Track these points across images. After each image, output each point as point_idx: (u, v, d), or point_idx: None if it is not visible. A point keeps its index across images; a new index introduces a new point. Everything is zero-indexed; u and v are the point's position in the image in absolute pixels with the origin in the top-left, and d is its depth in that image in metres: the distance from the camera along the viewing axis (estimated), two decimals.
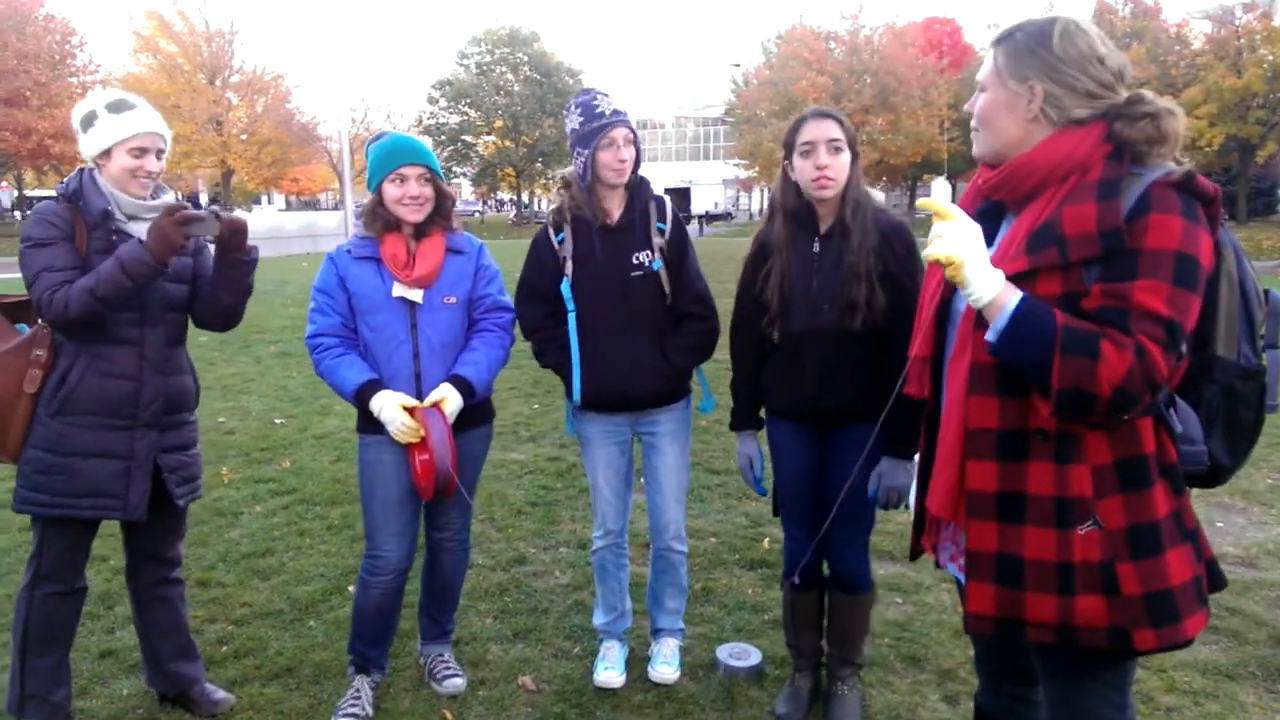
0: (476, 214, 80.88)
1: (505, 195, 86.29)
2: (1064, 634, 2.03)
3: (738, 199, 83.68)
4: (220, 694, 3.63)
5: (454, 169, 67.87)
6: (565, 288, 3.56)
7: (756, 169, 56.13)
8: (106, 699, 3.70)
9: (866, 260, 3.18)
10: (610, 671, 3.78)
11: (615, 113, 3.47)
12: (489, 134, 68.79)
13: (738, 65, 64.05)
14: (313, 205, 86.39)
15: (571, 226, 3.58)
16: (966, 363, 2.09)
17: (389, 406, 3.31)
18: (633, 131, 3.52)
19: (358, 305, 3.45)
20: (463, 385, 3.41)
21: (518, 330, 3.67)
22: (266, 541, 5.36)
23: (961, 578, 2.24)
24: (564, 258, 3.57)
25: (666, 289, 3.59)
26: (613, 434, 3.71)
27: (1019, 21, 2.13)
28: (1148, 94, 2.01)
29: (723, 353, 3.61)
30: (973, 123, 2.21)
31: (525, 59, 67.52)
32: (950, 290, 2.20)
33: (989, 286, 1.95)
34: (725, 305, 3.48)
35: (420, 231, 3.47)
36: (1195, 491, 2.17)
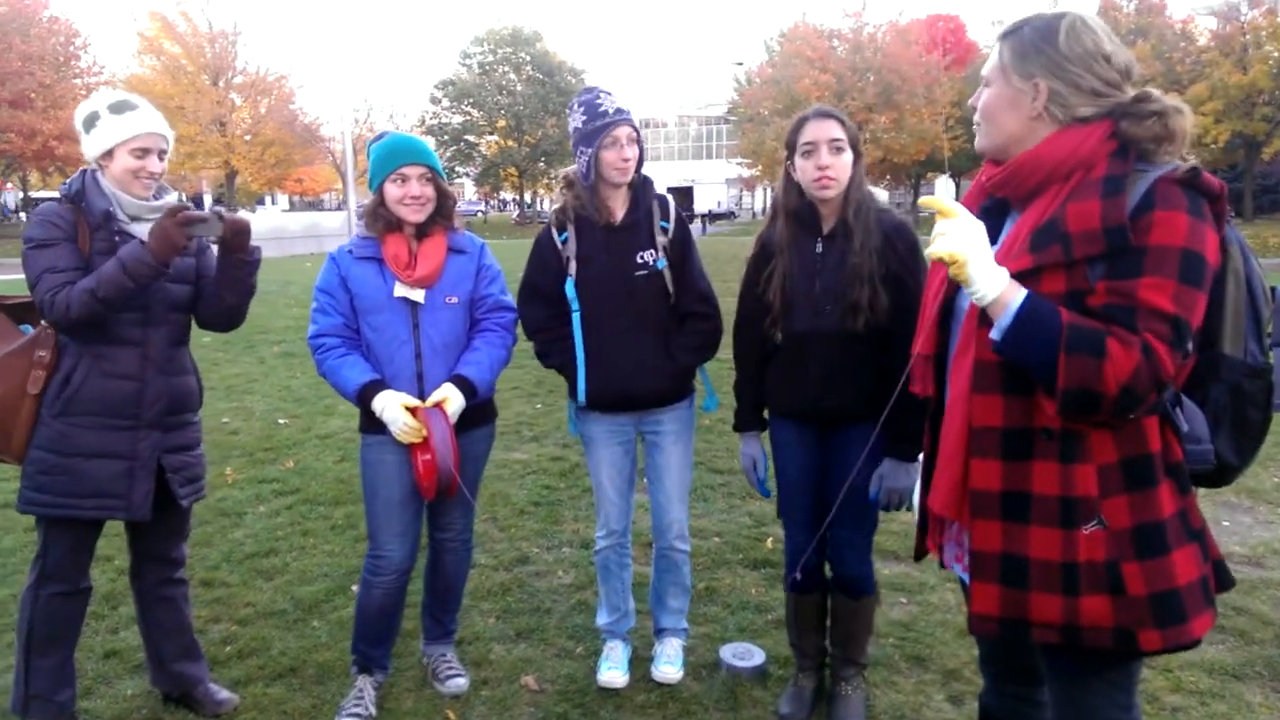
0: (479, 214, 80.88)
1: (508, 195, 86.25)
2: (1069, 634, 2.02)
3: (740, 198, 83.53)
4: (224, 694, 3.63)
5: (457, 169, 67.86)
6: (569, 287, 3.55)
7: (759, 168, 56.12)
8: (111, 699, 3.70)
9: (869, 261, 3.17)
10: (613, 671, 3.77)
11: (619, 111, 3.46)
12: (492, 134, 68.78)
13: (740, 64, 64.07)
14: (316, 206, 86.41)
15: (575, 226, 3.57)
16: (970, 360, 2.08)
17: (391, 407, 3.31)
18: (636, 130, 3.51)
19: (360, 305, 3.44)
20: (465, 385, 3.40)
21: (520, 330, 3.67)
22: (270, 541, 5.36)
23: (966, 578, 2.23)
24: (567, 257, 3.57)
25: (670, 288, 3.59)
26: (616, 434, 3.71)
27: (1027, 16, 2.11)
28: (1154, 92, 2.00)
29: (726, 352, 3.61)
30: (976, 117, 2.20)
31: (528, 58, 67.48)
32: (954, 288, 2.19)
33: (993, 284, 1.94)
34: (728, 305, 3.47)
35: (422, 231, 3.47)
36: (1201, 490, 2.16)
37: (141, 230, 3.16)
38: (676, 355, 3.59)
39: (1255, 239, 27.84)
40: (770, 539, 5.28)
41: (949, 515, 2.18)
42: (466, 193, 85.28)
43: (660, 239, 3.57)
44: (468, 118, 68.21)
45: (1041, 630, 2.05)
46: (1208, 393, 2.04)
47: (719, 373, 3.99)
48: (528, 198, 75.04)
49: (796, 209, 3.31)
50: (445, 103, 68.00)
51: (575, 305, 3.55)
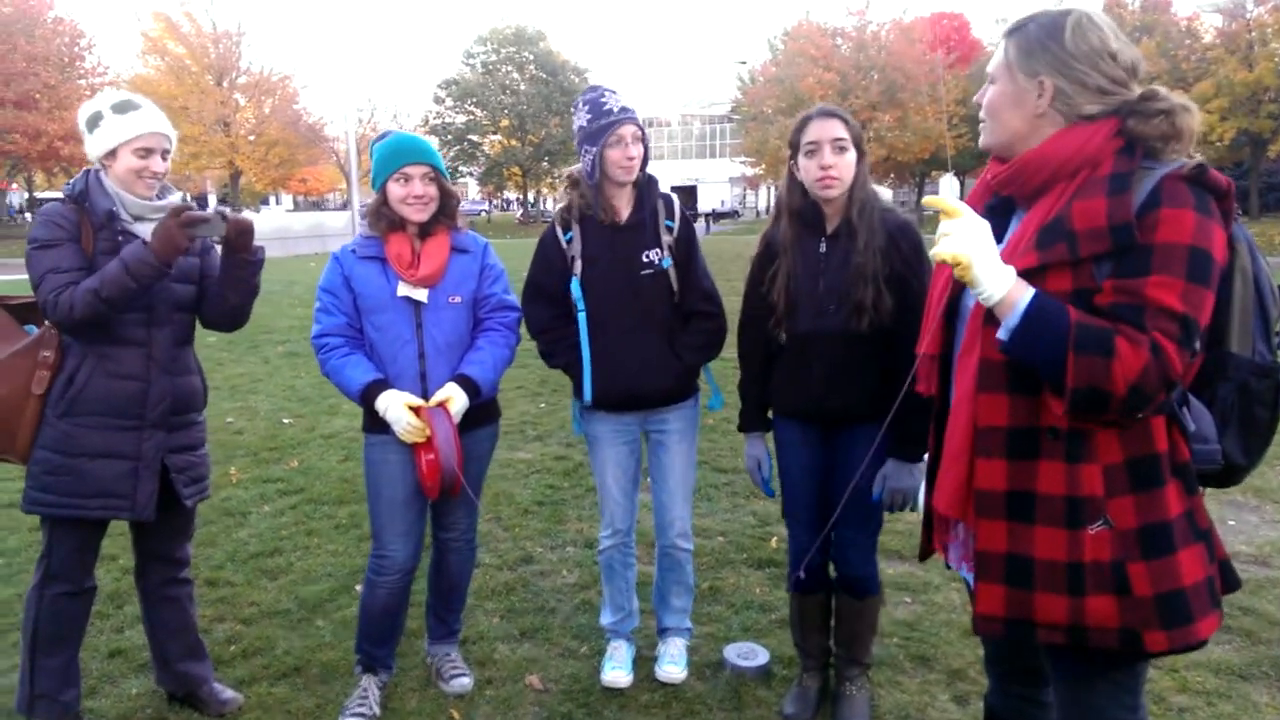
0: (483, 213, 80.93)
1: (511, 194, 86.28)
2: (1074, 635, 2.01)
3: (744, 197, 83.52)
4: (228, 693, 3.63)
5: (460, 168, 67.90)
6: (575, 287, 3.54)
7: (763, 167, 56.05)
8: (115, 698, 3.70)
9: (873, 261, 3.16)
10: (617, 671, 3.77)
11: (623, 110, 3.46)
12: (495, 133, 68.79)
13: (744, 63, 63.92)
14: (319, 206, 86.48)
15: (580, 225, 3.57)
16: (975, 359, 2.07)
17: (394, 406, 3.30)
18: (641, 129, 3.50)
19: (363, 305, 3.44)
20: (468, 385, 3.40)
21: (524, 329, 3.66)
22: (274, 541, 5.36)
23: (970, 579, 2.22)
24: (572, 257, 3.56)
25: (675, 287, 3.58)
26: (622, 433, 3.70)
27: (1032, 13, 2.10)
28: (1161, 90, 1.99)
29: (730, 351, 3.60)
30: (981, 114, 2.19)
31: (531, 58, 67.51)
32: (959, 287, 2.18)
33: (999, 284, 1.93)
34: (732, 304, 3.47)
35: (425, 231, 3.47)
36: (1207, 490, 2.15)
37: (145, 230, 3.16)
38: (682, 354, 3.59)
39: (1261, 237, 27.80)
40: (774, 539, 5.27)
41: (954, 515, 2.17)
42: (470, 192, 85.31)
43: (665, 238, 3.57)
44: (471, 117, 68.23)
45: (1047, 631, 2.04)
46: (1215, 392, 2.03)
47: (723, 372, 3.99)
48: (531, 197, 75.02)
49: (800, 208, 3.30)
50: (449, 102, 68.05)
51: (580, 305, 3.55)
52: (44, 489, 3.16)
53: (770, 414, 3.55)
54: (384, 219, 3.43)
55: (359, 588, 3.91)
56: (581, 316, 3.56)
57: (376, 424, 3.40)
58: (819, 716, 3.56)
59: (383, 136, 3.49)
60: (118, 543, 4.60)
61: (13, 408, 3.13)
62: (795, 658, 3.78)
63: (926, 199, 2.05)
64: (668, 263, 3.55)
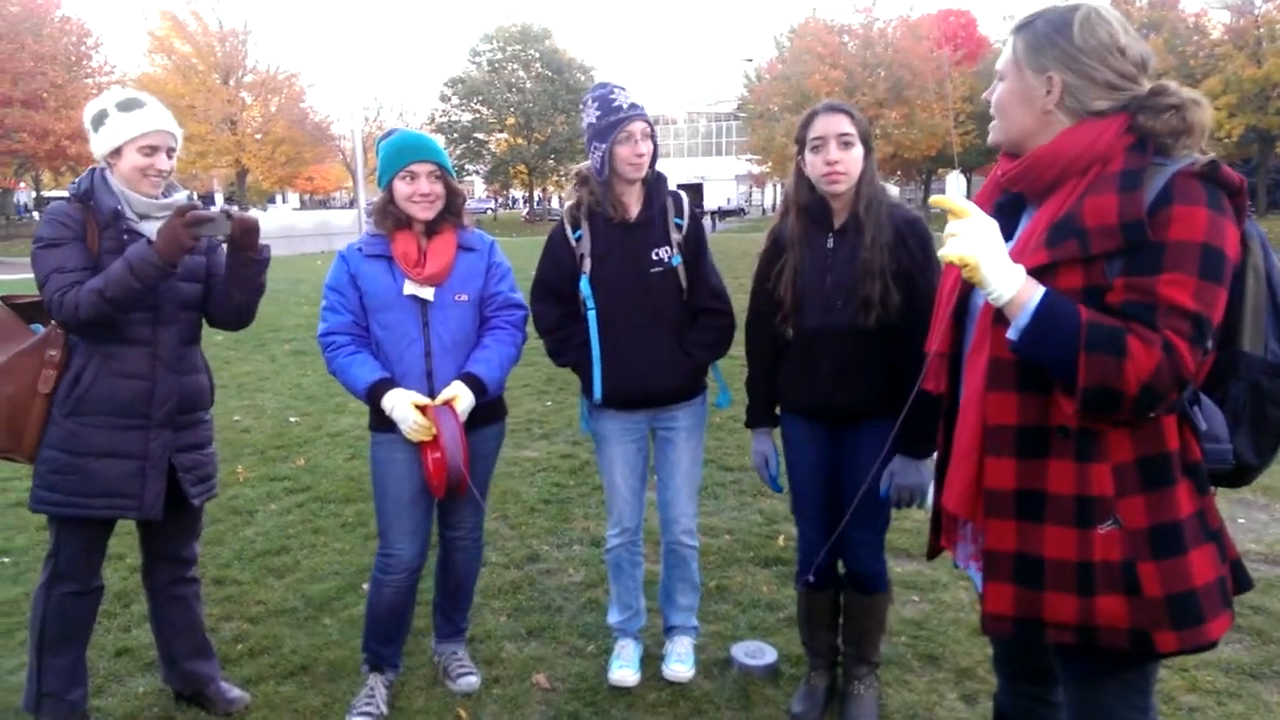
0: (489, 211, 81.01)
1: (518, 193, 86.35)
2: (1084, 635, 2.00)
3: (750, 194, 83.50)
4: (235, 692, 3.63)
5: (466, 167, 67.99)
6: (584, 285, 3.53)
7: (769, 164, 56.03)
8: (122, 697, 3.70)
9: (880, 256, 3.14)
10: (625, 670, 3.76)
11: (633, 106, 3.45)
12: (501, 131, 68.88)
13: (750, 60, 63.94)
14: (325, 204, 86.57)
15: (589, 223, 3.56)
16: (985, 358, 2.06)
17: (401, 405, 3.30)
18: (650, 125, 3.49)
19: (369, 303, 3.44)
20: (474, 383, 3.39)
21: (530, 327, 3.66)
22: (281, 539, 5.36)
23: (979, 578, 2.21)
24: (581, 255, 3.55)
25: (684, 284, 3.57)
26: (630, 431, 3.69)
27: (1041, 8, 2.09)
28: (1171, 85, 1.97)
29: (737, 349, 3.59)
30: (990, 110, 2.18)
31: (537, 56, 67.56)
32: (969, 285, 2.17)
33: (1009, 284, 1.91)
34: (739, 301, 3.46)
35: (431, 229, 3.46)
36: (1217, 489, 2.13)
37: (150, 229, 3.16)
38: (691, 352, 3.58)
39: (1270, 234, 27.65)
40: (782, 536, 5.26)
41: (963, 514, 2.16)
42: (476, 190, 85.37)
43: (674, 235, 3.56)
44: (477, 115, 68.31)
45: (1056, 630, 2.03)
46: (1227, 391, 2.01)
47: (730, 369, 3.97)
48: (537, 195, 75.07)
49: (807, 204, 3.29)
50: (455, 100, 68.13)
51: (590, 303, 3.54)
52: (51, 488, 3.16)
53: (778, 410, 3.54)
54: (390, 217, 3.42)
55: (366, 586, 3.91)
56: (591, 315, 3.54)
57: (383, 422, 3.40)
58: (827, 715, 3.55)
59: (389, 134, 3.48)
60: (125, 541, 4.60)
61: (19, 407, 3.13)
62: (803, 656, 3.77)
63: (934, 199, 2.04)
64: (677, 260, 3.54)
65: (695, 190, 61.49)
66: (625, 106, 3.43)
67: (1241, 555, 2.12)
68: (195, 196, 3.44)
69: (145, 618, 3.79)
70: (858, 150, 3.18)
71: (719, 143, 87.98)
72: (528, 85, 67.22)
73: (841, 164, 3.14)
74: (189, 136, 44.18)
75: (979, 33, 61.34)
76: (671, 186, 3.65)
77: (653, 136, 3.50)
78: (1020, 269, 1.93)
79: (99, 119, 3.16)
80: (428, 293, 3.41)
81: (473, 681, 3.73)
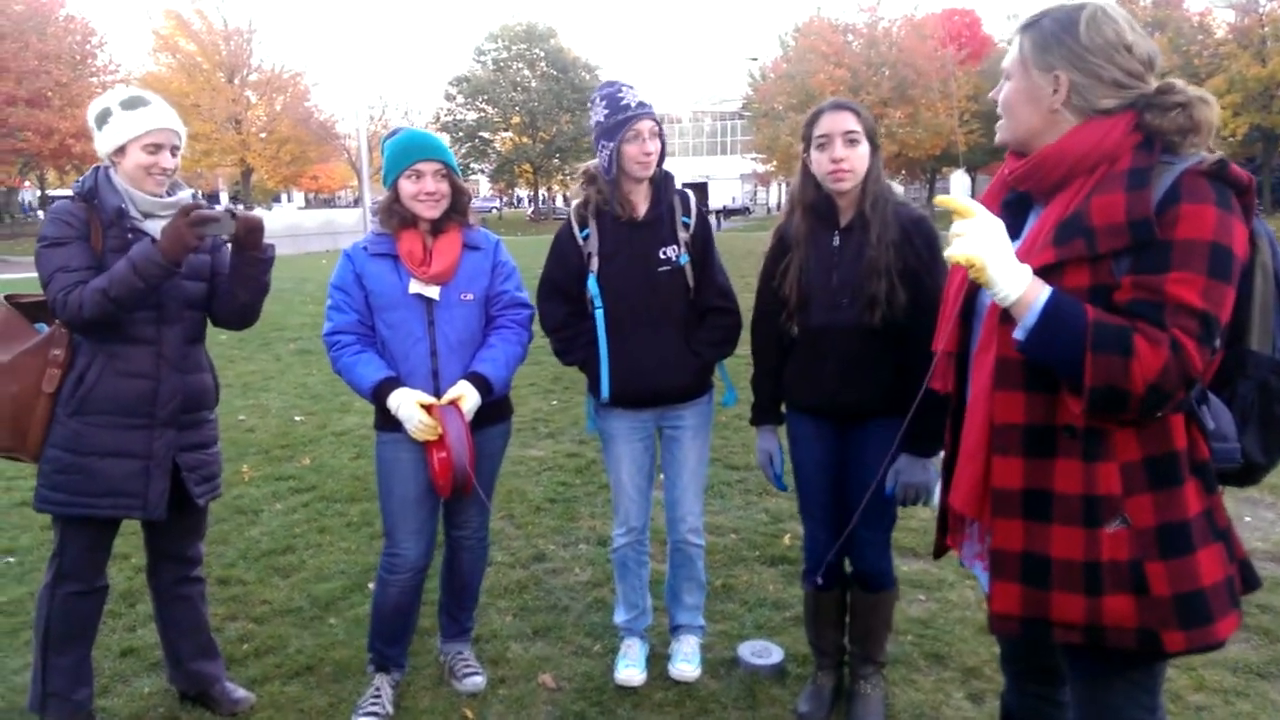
0: (494, 210, 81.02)
1: (522, 192, 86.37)
2: (1092, 635, 2.00)
3: (755, 193, 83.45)
4: (240, 692, 3.63)
5: (472, 166, 68.03)
6: (592, 283, 3.53)
7: (774, 163, 56.07)
8: (128, 697, 3.70)
9: (886, 255, 3.14)
10: (631, 669, 3.76)
11: (641, 105, 3.44)
12: (506, 130, 68.91)
13: (755, 59, 63.86)
14: (330, 203, 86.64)
15: (597, 222, 3.55)
16: (992, 357, 2.05)
17: (406, 404, 3.30)
18: (658, 124, 3.48)
19: (375, 302, 3.43)
20: (480, 383, 3.39)
21: (536, 326, 3.65)
22: (287, 539, 5.36)
23: (985, 579, 2.21)
24: (589, 253, 3.54)
25: (690, 283, 3.56)
26: (638, 430, 3.69)
27: (1047, 8, 2.08)
28: (1178, 83, 1.96)
29: (743, 347, 3.59)
30: (998, 109, 2.17)
31: (542, 55, 67.56)
32: (975, 284, 2.16)
33: (1015, 285, 1.91)
34: (745, 300, 3.45)
35: (437, 228, 3.45)
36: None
37: (155, 227, 3.16)
38: (699, 350, 3.58)
39: (1275, 232, 27.60)
40: (788, 535, 5.26)
41: (970, 514, 2.15)
42: (481, 189, 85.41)
43: (682, 234, 3.55)
44: (482, 114, 68.33)
45: (1064, 630, 2.03)
46: (1235, 390, 2.00)
47: (736, 368, 3.97)
48: (542, 194, 75.06)
49: (813, 202, 3.28)
50: (460, 99, 68.15)
51: (598, 301, 3.53)
52: (55, 488, 3.16)
53: (783, 408, 3.53)
54: (396, 216, 3.42)
55: (371, 586, 3.91)
56: (599, 313, 3.54)
57: (388, 422, 3.40)
58: (834, 715, 3.54)
59: (394, 133, 3.48)
60: (130, 541, 4.60)
61: (23, 406, 3.13)
62: (809, 656, 3.77)
63: (939, 199, 2.03)
64: (685, 259, 3.54)
65: (700, 189, 61.56)
66: (633, 105, 3.43)
67: (1249, 554, 2.11)
68: (200, 195, 3.43)
69: (150, 617, 3.79)
70: (863, 148, 3.17)
71: (724, 142, 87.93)
72: (533, 84, 67.21)
73: (847, 162, 3.13)
74: (194, 135, 44.32)
75: (983, 32, 61.25)
76: (677, 185, 3.65)
77: (660, 135, 3.50)
78: (1026, 269, 1.92)
79: (103, 117, 3.15)
80: (433, 291, 3.40)
81: (478, 681, 3.73)
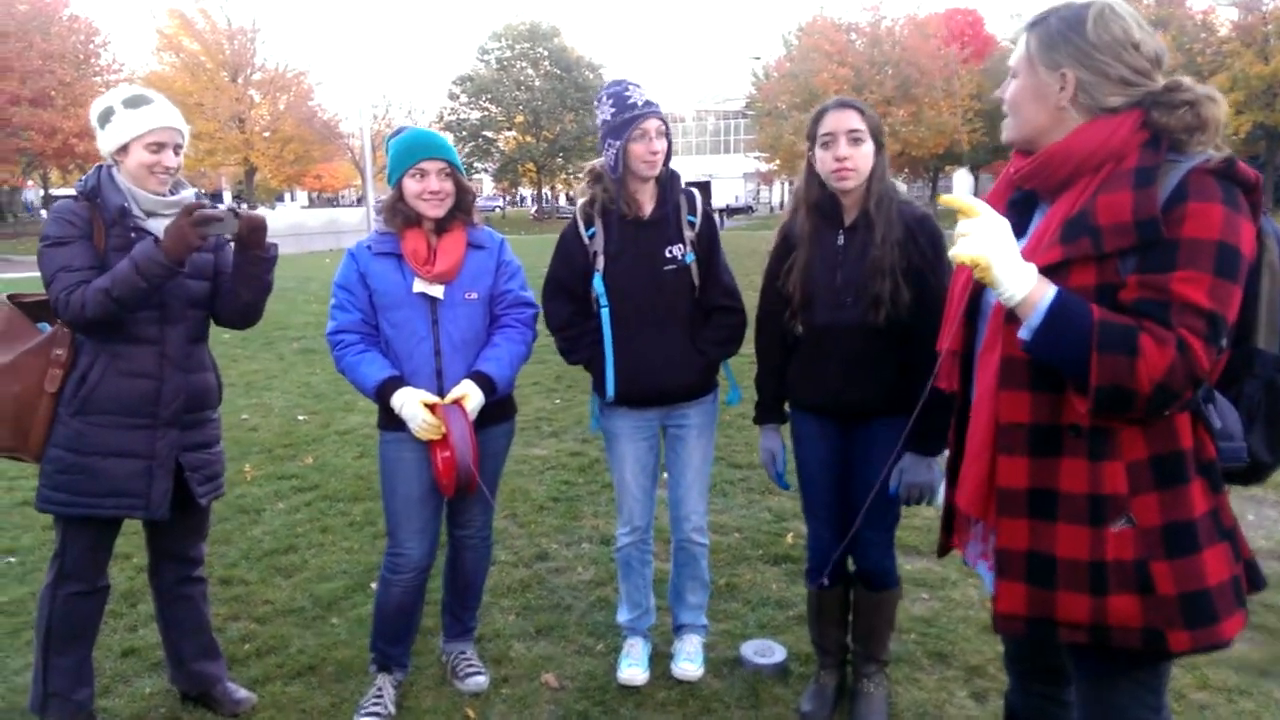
0: (497, 209, 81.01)
1: (526, 191, 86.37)
2: (1097, 634, 1.99)
3: (758, 192, 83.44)
4: (242, 693, 3.63)
5: (475, 165, 67.97)
6: (598, 282, 3.52)
7: (777, 162, 56.04)
8: (129, 698, 3.70)
9: (890, 254, 3.13)
10: (634, 669, 3.75)
11: (648, 104, 3.43)
12: (510, 129, 68.84)
13: (758, 58, 63.81)
14: (334, 202, 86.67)
15: (603, 220, 3.54)
16: (997, 357, 2.05)
17: (410, 403, 3.29)
18: (665, 123, 3.48)
19: (379, 301, 3.43)
20: (484, 382, 3.38)
21: (540, 325, 3.64)
22: (289, 539, 5.36)
23: (989, 578, 2.20)
24: (595, 252, 3.54)
25: (696, 282, 3.56)
26: (642, 429, 3.68)
27: (1054, 5, 2.07)
28: (1186, 80, 1.95)
29: (747, 346, 3.58)
30: (1004, 107, 2.16)
31: (545, 54, 67.50)
32: (980, 284, 2.15)
33: (1021, 284, 1.90)
34: (748, 299, 3.44)
35: (441, 227, 3.45)
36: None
37: (157, 226, 3.15)
38: (704, 349, 3.58)
39: None
40: (790, 534, 5.25)
41: (975, 513, 2.15)
42: (485, 188, 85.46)
43: (688, 233, 3.55)
44: (486, 113, 68.29)
45: (1069, 630, 2.02)
46: (1241, 389, 2.00)
47: (740, 366, 3.96)
48: (546, 193, 75.07)
49: (818, 200, 3.27)
50: (463, 98, 68.11)
51: (604, 300, 3.52)
52: (57, 488, 3.15)
53: (787, 407, 3.52)
54: (400, 215, 3.41)
55: (374, 585, 3.90)
56: (604, 312, 3.53)
57: (392, 421, 3.39)
58: (837, 714, 3.54)
59: (399, 132, 3.47)
60: (131, 541, 4.60)
61: (26, 406, 3.12)
62: (812, 655, 3.76)
63: (944, 198, 2.02)
64: (690, 258, 3.53)
65: (703, 188, 61.35)
66: (640, 103, 3.42)
67: (1253, 553, 2.10)
68: (202, 194, 3.42)
69: (152, 618, 3.79)
70: (868, 146, 3.16)
71: (727, 140, 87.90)
72: (536, 83, 67.15)
73: (851, 160, 3.13)
74: (197, 134, 44.33)
75: (985, 31, 61.21)
76: (683, 184, 3.64)
77: (667, 134, 3.49)
78: (1032, 268, 1.91)
79: (105, 116, 3.15)
80: (437, 290, 3.40)
81: (481, 681, 3.72)
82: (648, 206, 3.53)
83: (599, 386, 3.63)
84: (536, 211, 71.85)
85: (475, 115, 68.41)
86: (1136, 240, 1.85)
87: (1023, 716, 2.54)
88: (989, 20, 68.86)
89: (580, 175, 3.74)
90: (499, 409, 3.55)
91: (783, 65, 56.94)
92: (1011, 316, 1.97)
